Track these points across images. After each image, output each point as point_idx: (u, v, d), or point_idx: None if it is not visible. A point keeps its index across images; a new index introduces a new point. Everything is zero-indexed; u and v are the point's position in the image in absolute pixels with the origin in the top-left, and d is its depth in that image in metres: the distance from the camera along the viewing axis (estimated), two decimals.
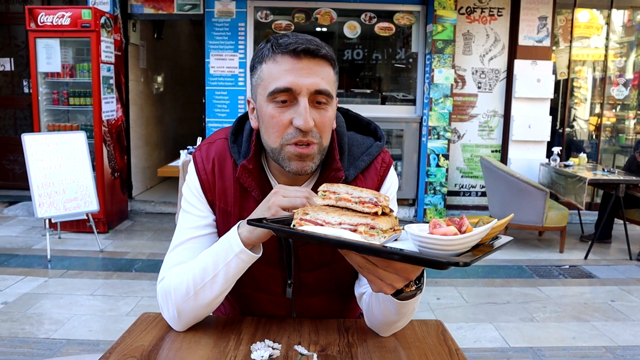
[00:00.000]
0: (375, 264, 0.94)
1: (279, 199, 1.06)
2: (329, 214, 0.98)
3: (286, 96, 1.09)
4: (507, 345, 3.08)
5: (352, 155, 1.27)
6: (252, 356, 1.11)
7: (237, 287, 1.33)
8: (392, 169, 1.32)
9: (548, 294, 3.94)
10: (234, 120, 1.33)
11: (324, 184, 1.04)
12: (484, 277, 4.35)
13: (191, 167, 1.29)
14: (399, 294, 1.07)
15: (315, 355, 1.12)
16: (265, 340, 1.18)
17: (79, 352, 2.87)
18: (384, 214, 1.00)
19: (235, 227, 1.12)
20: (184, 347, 1.17)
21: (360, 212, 0.99)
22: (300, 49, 1.08)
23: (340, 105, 1.32)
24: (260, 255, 1.12)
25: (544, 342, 3.14)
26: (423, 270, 1.06)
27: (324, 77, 1.11)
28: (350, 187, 1.03)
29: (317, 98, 1.11)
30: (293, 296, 1.30)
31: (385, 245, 0.92)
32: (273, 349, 1.15)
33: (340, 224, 0.96)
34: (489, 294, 3.94)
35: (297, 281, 1.28)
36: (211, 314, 1.53)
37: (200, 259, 1.16)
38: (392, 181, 1.31)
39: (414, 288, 1.07)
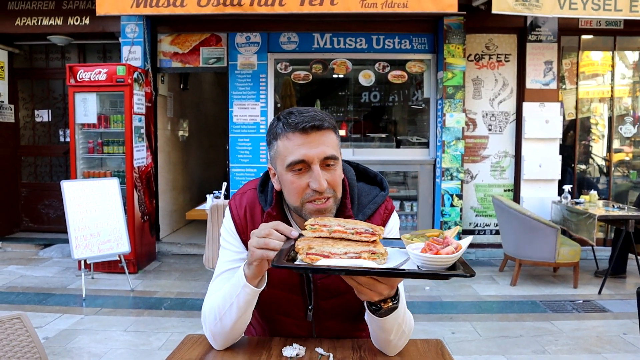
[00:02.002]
0: (381, 281, 1.19)
1: (252, 240, 1.26)
2: (333, 246, 1.19)
3: (301, 165, 1.36)
4: None
5: (361, 203, 1.53)
6: (284, 353, 1.40)
7: (266, 311, 1.59)
8: (394, 214, 1.59)
9: (561, 328, 4.06)
10: (262, 173, 1.61)
11: (312, 218, 1.27)
12: (499, 312, 4.49)
13: (227, 213, 1.56)
14: (379, 311, 1.30)
15: (331, 356, 1.39)
16: (294, 344, 1.44)
17: None
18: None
19: (243, 265, 1.35)
20: None
21: (358, 241, 1.22)
22: (308, 126, 1.35)
23: (350, 160, 1.61)
24: (262, 288, 1.35)
25: None
26: (398, 289, 1.31)
27: (329, 144, 1.38)
28: (340, 219, 1.26)
29: (327, 162, 1.38)
30: (313, 319, 1.54)
31: (402, 267, 1.18)
32: (299, 349, 1.42)
33: (346, 253, 1.18)
34: (502, 328, 4.08)
35: (316, 307, 1.53)
36: (245, 335, 1.78)
37: (223, 289, 1.41)
38: (394, 223, 1.58)
39: (390, 304, 1.30)
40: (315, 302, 1.52)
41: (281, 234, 1.26)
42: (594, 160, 6.91)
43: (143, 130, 5.92)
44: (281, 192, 1.47)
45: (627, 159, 6.92)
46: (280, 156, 1.40)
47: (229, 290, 1.37)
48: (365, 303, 1.33)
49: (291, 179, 1.37)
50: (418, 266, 1.16)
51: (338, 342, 1.53)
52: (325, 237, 1.23)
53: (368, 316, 1.35)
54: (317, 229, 1.24)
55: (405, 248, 1.28)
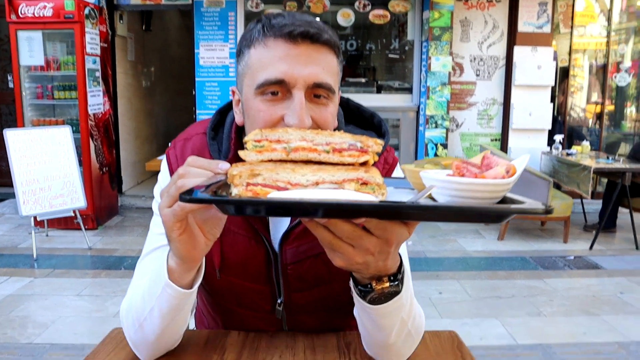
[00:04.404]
0: (374, 232, 0.74)
1: (162, 200, 0.77)
2: (294, 171, 0.70)
3: (278, 88, 0.90)
4: (514, 342, 2.94)
5: None
6: None
7: (219, 302, 1.17)
8: (397, 169, 1.16)
9: (554, 287, 3.80)
10: (215, 111, 1.15)
11: (256, 130, 0.77)
12: (487, 269, 4.21)
13: (164, 167, 1.12)
14: (369, 294, 0.85)
15: None
16: None
17: (62, 358, 2.71)
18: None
19: (168, 251, 0.88)
20: None
21: (337, 164, 0.74)
22: (298, 32, 0.89)
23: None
24: (192, 291, 0.89)
25: (553, 338, 2.99)
26: (401, 263, 0.86)
27: (325, 66, 0.92)
28: (306, 131, 0.76)
29: (316, 92, 0.92)
30: (284, 313, 1.13)
31: (418, 201, 0.70)
32: None
33: (317, 183, 0.70)
34: (493, 288, 3.79)
35: (287, 300, 1.11)
36: (195, 327, 1.37)
37: (143, 284, 0.96)
38: None
39: (387, 285, 0.84)
40: (287, 295, 1.11)
41: (203, 170, 0.77)
42: (585, 110, 6.58)
43: (98, 74, 5.32)
44: (243, 134, 1.03)
45: (620, 109, 6.60)
46: (250, 72, 0.94)
47: (148, 287, 0.92)
48: (351, 284, 0.88)
49: (260, 106, 0.92)
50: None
51: (318, 339, 1.13)
52: (280, 161, 0.75)
53: (357, 306, 0.91)
54: (266, 148, 0.75)
55: (412, 188, 0.86)
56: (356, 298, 0.88)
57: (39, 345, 2.84)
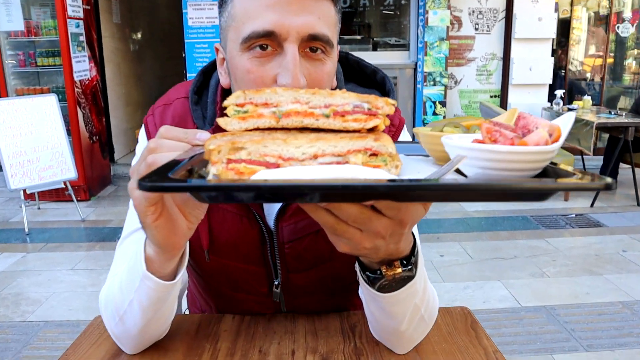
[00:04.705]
0: (386, 213, 0.63)
1: (131, 181, 0.65)
2: (286, 142, 0.57)
3: (268, 41, 0.78)
4: (518, 305, 2.89)
5: None
6: None
7: (212, 285, 1.07)
8: (404, 131, 1.03)
9: (556, 246, 3.74)
10: (197, 73, 1.03)
11: (238, 92, 0.63)
12: (488, 229, 4.14)
13: (142, 137, 1.00)
14: (379, 281, 0.75)
15: None
16: None
17: (57, 335, 2.65)
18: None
19: (145, 238, 0.76)
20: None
21: (339, 131, 0.61)
22: None
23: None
24: (175, 282, 0.79)
25: (556, 299, 2.94)
26: (414, 244, 0.75)
27: (322, 16, 0.79)
28: (299, 91, 0.63)
29: (312, 45, 0.79)
30: (282, 296, 1.04)
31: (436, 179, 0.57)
32: None
33: (315, 156, 0.58)
34: (494, 249, 3.73)
35: (285, 282, 1.02)
36: (188, 309, 1.28)
37: (121, 272, 0.85)
38: None
39: (400, 271, 0.74)
40: (284, 276, 1.01)
41: (178, 142, 0.65)
42: (586, 63, 6.40)
43: (83, 38, 5.10)
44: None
45: (620, 61, 6.43)
46: (234, 24, 0.81)
47: (125, 278, 0.81)
48: (357, 267, 0.79)
49: (247, 65, 0.79)
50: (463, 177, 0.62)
51: (320, 320, 1.04)
52: (269, 129, 0.62)
53: (364, 292, 0.82)
54: (251, 113, 0.62)
55: (427, 155, 0.75)
56: (363, 284, 0.78)
57: (32, 323, 2.78)
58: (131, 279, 0.79)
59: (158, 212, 0.65)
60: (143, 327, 0.84)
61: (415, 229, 0.91)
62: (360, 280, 0.78)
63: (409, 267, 0.74)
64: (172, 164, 0.56)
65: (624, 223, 4.21)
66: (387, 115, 1.02)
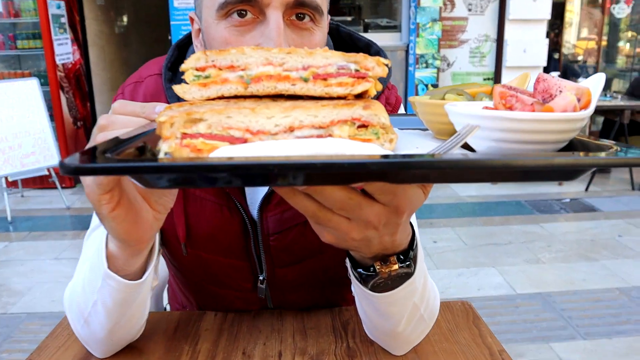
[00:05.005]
0: (379, 199, 0.53)
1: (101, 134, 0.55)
2: (255, 112, 0.47)
3: (246, 7, 0.68)
4: (513, 292, 2.83)
5: None
6: None
7: (192, 279, 0.99)
8: (402, 110, 0.95)
9: (551, 232, 3.68)
10: (171, 47, 0.93)
11: (198, 54, 0.53)
12: (482, 215, 4.08)
13: None
14: (373, 279, 0.65)
15: None
16: None
17: (40, 328, 2.56)
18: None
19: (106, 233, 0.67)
20: None
21: (321, 98, 0.52)
22: None
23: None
24: (142, 281, 0.70)
25: (552, 286, 2.89)
26: (413, 237, 0.66)
27: None
28: (271, 50, 0.53)
29: (299, 11, 0.70)
30: (268, 291, 0.95)
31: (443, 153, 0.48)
32: None
33: (291, 129, 0.48)
34: (488, 234, 3.67)
35: (271, 277, 0.93)
36: (169, 304, 1.20)
37: (85, 269, 0.75)
38: None
39: (397, 267, 0.64)
40: (270, 271, 0.92)
41: (134, 117, 0.56)
42: (580, 45, 6.32)
43: (64, 20, 4.93)
44: None
45: (614, 43, 6.35)
46: None
47: (88, 276, 0.72)
48: (348, 263, 0.70)
49: (225, 35, 0.70)
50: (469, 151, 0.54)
51: (309, 318, 0.95)
52: (236, 97, 0.53)
53: (356, 290, 0.73)
54: (214, 79, 0.52)
55: (424, 129, 0.67)
56: (355, 283, 0.70)
57: (14, 315, 2.68)
58: (93, 277, 0.70)
59: (115, 201, 0.56)
60: (111, 329, 0.76)
61: (413, 219, 0.82)
62: (352, 278, 0.70)
63: (407, 262, 0.65)
64: (115, 142, 0.47)
65: (619, 207, 4.17)
66: (384, 93, 0.93)
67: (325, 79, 0.52)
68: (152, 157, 0.48)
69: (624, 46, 6.36)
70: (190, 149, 0.46)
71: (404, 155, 0.45)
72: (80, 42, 5.33)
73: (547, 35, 5.66)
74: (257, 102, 0.51)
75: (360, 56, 0.53)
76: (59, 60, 4.78)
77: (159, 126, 0.47)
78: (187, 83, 0.53)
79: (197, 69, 0.53)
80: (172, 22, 5.45)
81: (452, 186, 4.78)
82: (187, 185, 0.44)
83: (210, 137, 0.47)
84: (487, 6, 5.67)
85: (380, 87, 0.54)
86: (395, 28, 5.79)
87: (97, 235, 0.85)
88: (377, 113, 0.50)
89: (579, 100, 0.51)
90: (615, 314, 2.59)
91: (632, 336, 2.40)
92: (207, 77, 0.53)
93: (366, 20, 6.07)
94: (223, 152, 0.45)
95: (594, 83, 0.56)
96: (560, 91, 0.54)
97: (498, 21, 5.67)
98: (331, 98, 0.52)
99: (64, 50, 4.91)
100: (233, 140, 0.47)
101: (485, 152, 0.52)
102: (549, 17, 5.53)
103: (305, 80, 0.52)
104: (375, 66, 0.53)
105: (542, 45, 5.55)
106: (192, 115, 0.46)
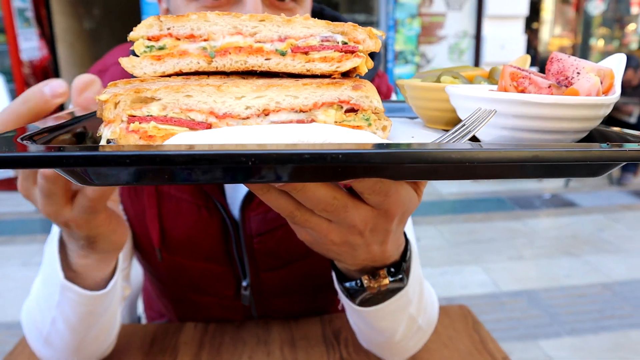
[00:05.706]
0: (368, 201, 0.45)
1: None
2: (221, 91, 0.39)
3: None
4: (498, 290, 2.79)
5: None
6: None
7: (171, 287, 0.90)
8: (394, 99, 0.88)
9: (533, 228, 3.67)
10: None
11: (150, 20, 0.44)
12: (463, 212, 4.05)
13: None
14: (361, 294, 0.58)
15: None
16: None
17: (7, 339, 2.42)
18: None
19: (58, 237, 0.60)
20: None
21: (302, 75, 0.44)
22: None
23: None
24: (106, 291, 0.62)
25: (536, 282, 2.86)
26: (406, 247, 0.59)
27: None
28: (241, 16, 0.43)
29: None
30: (253, 299, 0.86)
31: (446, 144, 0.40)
32: None
33: (266, 112, 0.40)
34: (470, 231, 3.64)
35: (255, 283, 0.84)
36: (144, 314, 1.10)
37: (38, 281, 0.68)
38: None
39: (387, 282, 0.57)
40: (254, 276, 0.84)
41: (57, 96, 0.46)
42: (554, 43, 6.36)
43: (30, 14, 4.75)
44: None
45: (587, 40, 6.41)
46: None
47: (42, 291, 0.64)
48: (334, 276, 0.62)
49: None
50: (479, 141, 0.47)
51: (297, 327, 0.87)
52: (197, 74, 0.44)
53: (344, 303, 0.65)
54: (169, 51, 0.43)
55: (414, 117, 0.60)
56: (341, 297, 0.62)
57: None
58: (49, 292, 0.61)
59: (107, 215, 0.49)
60: (76, 347, 0.66)
61: (409, 225, 0.74)
62: (338, 291, 0.61)
63: (400, 276, 0.57)
64: (50, 128, 0.38)
65: (598, 202, 4.18)
66: (375, 81, 0.86)
67: (306, 53, 0.43)
68: (92, 145, 0.39)
69: (599, 42, 6.43)
70: (140, 136, 0.37)
71: (412, 144, 0.36)
72: (48, 37, 5.14)
73: (525, 32, 5.68)
74: (223, 79, 0.42)
75: (349, 26, 0.44)
76: (24, 56, 4.59)
77: (100, 106, 0.38)
78: (137, 55, 0.43)
79: (149, 38, 0.43)
80: (144, 17, 5.30)
81: (432, 182, 4.74)
82: (133, 182, 0.35)
83: (164, 121, 0.38)
84: (465, 2, 5.66)
85: (371, 64, 0.45)
86: (373, 24, 5.74)
87: (49, 243, 0.75)
88: (369, 95, 0.42)
89: (601, 83, 0.44)
90: (599, 309, 2.57)
91: (617, 331, 2.38)
92: (161, 48, 0.43)
93: (344, 15, 6.02)
94: (181, 140, 0.36)
95: (616, 64, 0.49)
96: (578, 72, 0.47)
97: (476, 17, 5.67)
98: (314, 76, 0.43)
99: (30, 46, 4.72)
100: (194, 126, 0.38)
101: (496, 142, 0.44)
102: (526, 13, 5.55)
103: (282, 53, 0.43)
104: (366, 38, 0.44)
105: (520, 42, 5.57)
106: (141, 93, 0.38)
